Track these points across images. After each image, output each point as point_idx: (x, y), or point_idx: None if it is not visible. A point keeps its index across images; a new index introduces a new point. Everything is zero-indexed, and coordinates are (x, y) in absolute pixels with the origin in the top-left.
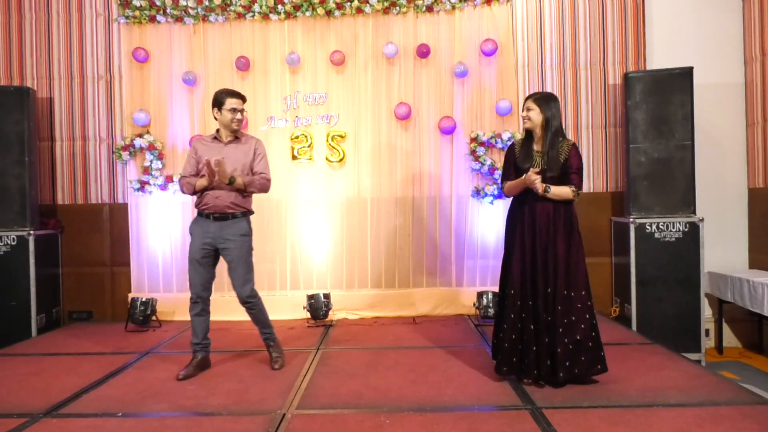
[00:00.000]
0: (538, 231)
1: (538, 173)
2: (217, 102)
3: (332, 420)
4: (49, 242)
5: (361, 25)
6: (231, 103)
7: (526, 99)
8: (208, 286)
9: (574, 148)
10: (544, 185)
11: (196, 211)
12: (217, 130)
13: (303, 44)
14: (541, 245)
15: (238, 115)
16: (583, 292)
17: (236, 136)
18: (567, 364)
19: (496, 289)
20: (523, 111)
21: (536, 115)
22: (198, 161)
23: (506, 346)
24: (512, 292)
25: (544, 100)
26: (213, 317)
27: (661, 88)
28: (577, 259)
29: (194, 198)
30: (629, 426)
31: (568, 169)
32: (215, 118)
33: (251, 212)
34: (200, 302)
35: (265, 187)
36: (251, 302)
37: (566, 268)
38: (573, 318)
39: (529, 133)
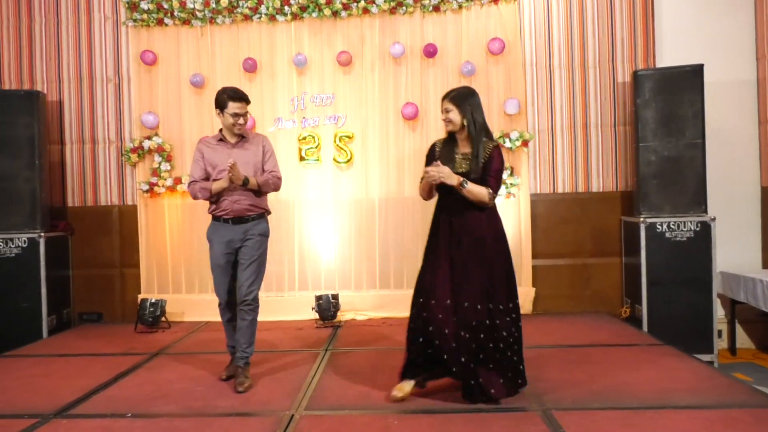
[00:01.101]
0: (458, 238)
1: (462, 175)
2: (219, 104)
3: (340, 421)
4: (59, 244)
5: (368, 25)
6: (233, 107)
7: (443, 99)
8: (233, 293)
9: (497, 150)
10: (460, 178)
11: (210, 216)
12: (221, 131)
13: (310, 45)
14: (459, 254)
15: (240, 120)
16: (501, 307)
17: (242, 135)
18: (480, 380)
19: None
20: (441, 114)
21: (456, 115)
22: (206, 164)
23: (412, 359)
24: (421, 300)
25: (462, 98)
26: (219, 319)
27: (671, 86)
28: (500, 271)
29: (207, 203)
30: (639, 428)
31: (487, 171)
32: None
33: (269, 212)
34: (229, 308)
35: (277, 186)
36: (250, 307)
37: (485, 279)
38: (494, 335)
39: (452, 134)
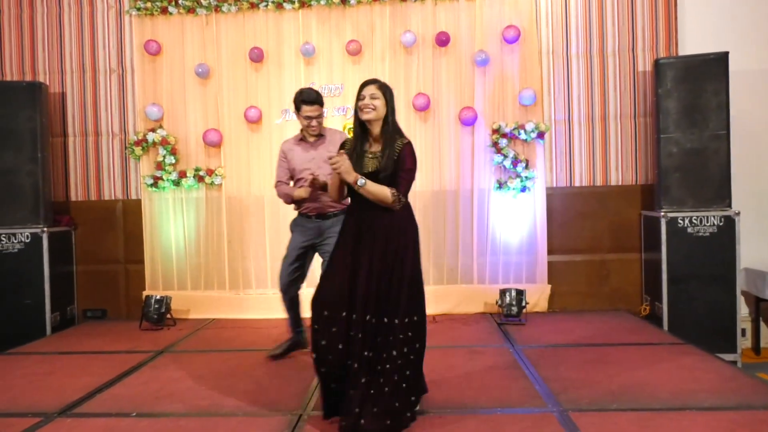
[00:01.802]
0: (364, 244)
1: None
2: (295, 106)
3: None
4: (62, 239)
5: (378, 13)
6: (305, 110)
7: (368, 84)
8: (298, 284)
9: (409, 147)
10: (357, 175)
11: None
12: (301, 130)
13: (318, 34)
14: (365, 262)
15: (314, 122)
16: (406, 320)
17: (320, 133)
18: (375, 410)
19: (520, 286)
20: (363, 99)
21: (382, 105)
22: (289, 165)
23: (323, 383)
24: (325, 313)
25: (388, 91)
26: (228, 315)
27: (694, 75)
28: (410, 282)
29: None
30: (660, 430)
31: (397, 171)
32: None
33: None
34: (287, 297)
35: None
36: None
37: (390, 291)
38: (394, 352)
39: (363, 130)
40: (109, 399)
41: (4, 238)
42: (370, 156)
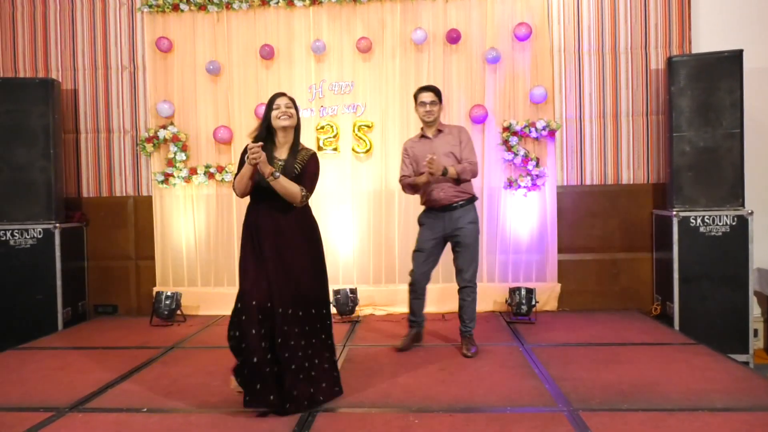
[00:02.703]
0: (266, 239)
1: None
2: (414, 99)
3: (359, 419)
4: (74, 235)
5: (389, 10)
6: (420, 97)
7: (281, 96)
8: (429, 276)
9: (314, 157)
10: (273, 168)
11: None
12: (422, 128)
13: (328, 31)
14: (270, 256)
15: (427, 108)
16: (313, 311)
17: (439, 129)
18: (294, 393)
19: (530, 284)
20: (279, 107)
21: (295, 117)
22: (412, 161)
23: (245, 372)
24: (253, 303)
25: (295, 102)
26: None
27: (707, 72)
28: (312, 274)
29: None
30: (671, 431)
31: (302, 174)
32: None
33: (476, 198)
34: (418, 289)
35: (474, 172)
36: (471, 288)
37: (298, 283)
38: (302, 342)
39: (270, 137)
40: (120, 394)
41: (16, 234)
42: (278, 161)
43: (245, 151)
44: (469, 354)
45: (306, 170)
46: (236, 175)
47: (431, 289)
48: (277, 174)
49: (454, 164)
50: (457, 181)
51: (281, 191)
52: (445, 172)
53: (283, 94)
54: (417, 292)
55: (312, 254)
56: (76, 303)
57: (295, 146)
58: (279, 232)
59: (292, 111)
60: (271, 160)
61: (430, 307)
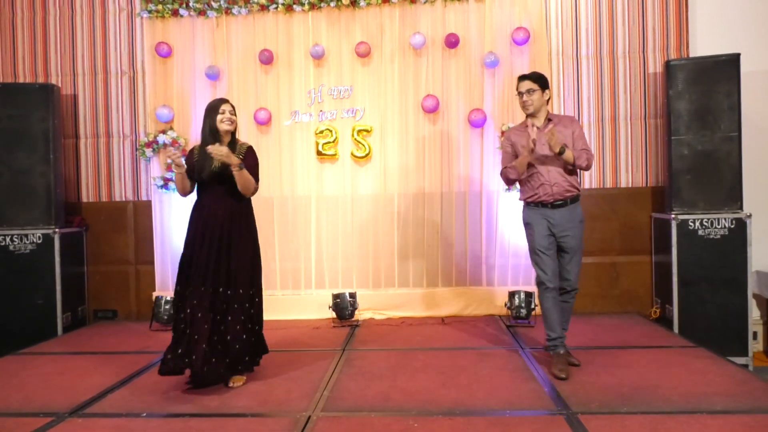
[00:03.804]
0: (211, 227)
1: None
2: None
3: (358, 423)
4: (74, 240)
5: (387, 15)
6: (518, 86)
7: (225, 102)
8: (555, 277)
9: (251, 149)
10: (238, 160)
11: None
12: (527, 117)
13: (327, 36)
14: (211, 242)
15: (524, 98)
16: (251, 291)
17: (548, 118)
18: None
19: (529, 288)
20: (224, 113)
21: (235, 120)
22: (514, 151)
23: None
24: (191, 289)
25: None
26: None
27: (705, 76)
28: (252, 258)
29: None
30: None
31: (247, 166)
32: None
33: (580, 194)
34: (552, 291)
35: (589, 162)
36: (573, 293)
37: (239, 267)
38: (229, 318)
39: (213, 136)
40: (119, 399)
41: (16, 239)
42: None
43: (191, 153)
44: (576, 361)
45: (246, 163)
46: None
47: (429, 292)
48: (243, 165)
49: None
50: (570, 169)
51: (240, 182)
52: (562, 151)
53: (226, 101)
54: (553, 297)
55: (253, 238)
56: (76, 308)
57: (234, 143)
58: (226, 217)
59: (234, 117)
60: (209, 157)
61: (429, 310)
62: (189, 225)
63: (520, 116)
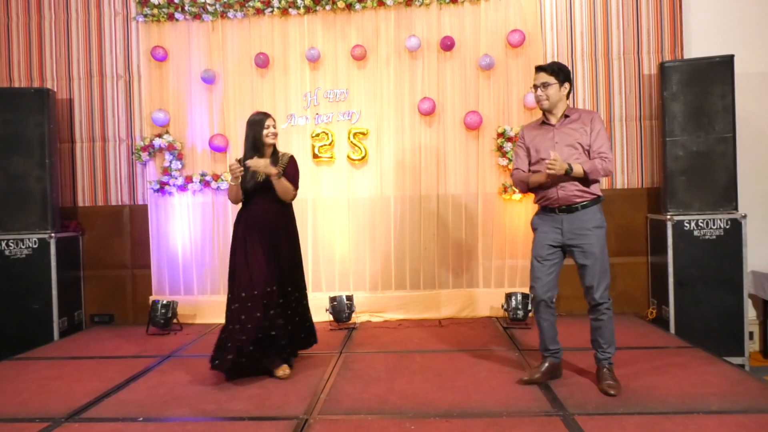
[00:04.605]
0: (263, 231)
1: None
2: None
3: (356, 426)
4: (70, 245)
5: (383, 18)
6: (535, 78)
7: (269, 117)
8: (549, 288)
9: (293, 159)
10: (277, 170)
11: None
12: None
13: (323, 39)
14: (267, 245)
15: (539, 92)
16: (290, 288)
17: (566, 114)
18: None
19: (525, 290)
20: (269, 128)
21: (277, 132)
22: (528, 150)
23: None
24: (243, 294)
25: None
26: None
27: (699, 77)
28: (298, 257)
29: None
30: None
31: (287, 174)
32: None
33: (602, 199)
34: (547, 308)
35: (607, 170)
36: (605, 306)
37: (291, 267)
38: (297, 318)
39: (256, 149)
40: (116, 404)
41: (12, 244)
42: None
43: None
44: (612, 392)
45: (287, 172)
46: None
47: (426, 294)
48: (281, 176)
49: (582, 159)
50: (584, 180)
51: (279, 189)
52: (568, 171)
53: (269, 115)
54: (543, 314)
55: (297, 240)
56: (72, 312)
57: (276, 154)
58: (273, 222)
59: (277, 131)
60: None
61: (426, 312)
62: (237, 231)
63: (517, 118)
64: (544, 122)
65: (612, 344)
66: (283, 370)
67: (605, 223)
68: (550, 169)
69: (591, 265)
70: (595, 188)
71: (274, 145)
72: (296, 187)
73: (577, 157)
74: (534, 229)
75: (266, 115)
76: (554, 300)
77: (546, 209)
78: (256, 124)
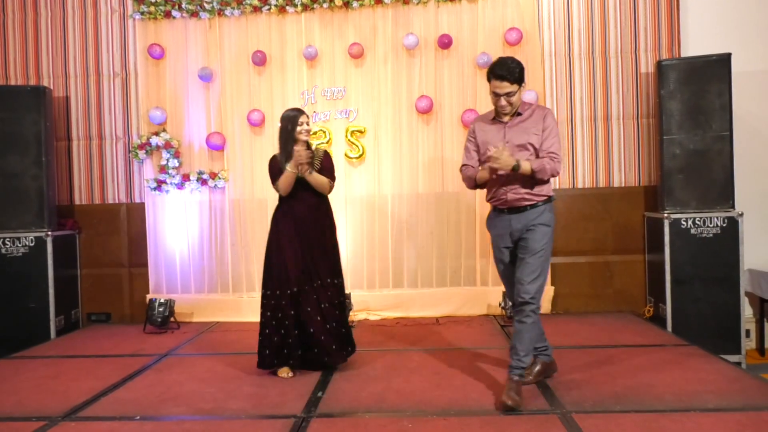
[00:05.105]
0: (303, 226)
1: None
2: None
3: (353, 424)
4: (67, 243)
5: (380, 16)
6: (492, 86)
7: (303, 114)
8: None
9: (327, 154)
10: (307, 169)
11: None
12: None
13: (320, 37)
14: (305, 240)
15: (502, 101)
16: (336, 281)
17: (519, 112)
18: (334, 347)
19: None
20: (303, 125)
21: (311, 129)
22: (479, 144)
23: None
24: (278, 293)
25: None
26: (231, 318)
27: (696, 76)
28: (336, 251)
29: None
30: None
31: (323, 168)
32: None
33: (553, 198)
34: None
35: (555, 171)
36: (530, 307)
37: (332, 258)
38: (335, 309)
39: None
40: (113, 402)
41: (8, 242)
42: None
43: (273, 161)
44: (509, 403)
45: (324, 165)
46: (274, 180)
47: (424, 292)
48: (312, 172)
49: (531, 158)
50: (533, 181)
51: (315, 184)
52: (516, 168)
53: (303, 112)
54: (514, 312)
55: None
56: (69, 311)
57: (309, 149)
58: (314, 215)
59: (310, 127)
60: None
61: (424, 311)
62: (278, 227)
63: None
64: (496, 118)
65: (529, 353)
66: (287, 372)
67: (554, 222)
68: (493, 162)
69: (528, 259)
70: (546, 189)
71: (307, 142)
72: (333, 179)
73: (528, 158)
74: (489, 229)
75: (300, 112)
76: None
77: (496, 209)
78: (290, 120)
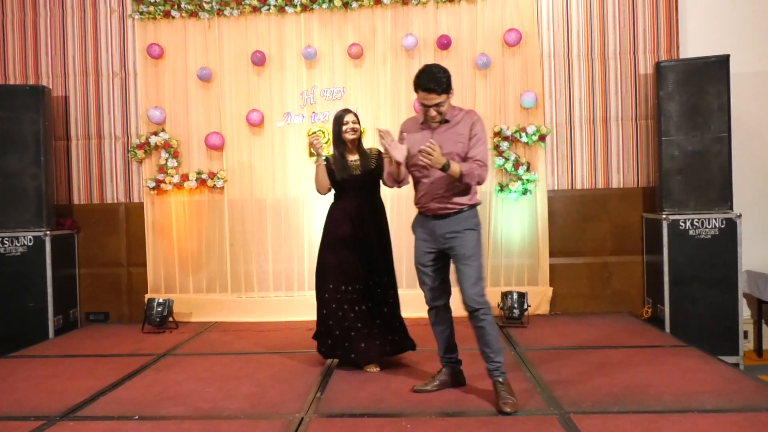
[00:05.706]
0: (359, 224)
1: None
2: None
3: (352, 425)
4: (65, 243)
5: (380, 16)
6: (419, 96)
7: (348, 113)
8: (439, 295)
9: (380, 153)
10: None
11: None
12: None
13: (320, 38)
14: (359, 238)
15: (431, 112)
16: (386, 279)
17: (446, 119)
18: (396, 338)
19: (522, 288)
20: (348, 124)
21: (359, 128)
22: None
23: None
24: (331, 286)
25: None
26: (230, 318)
27: (695, 77)
28: (389, 248)
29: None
30: None
31: (379, 170)
32: None
33: (478, 203)
34: (437, 314)
35: (482, 177)
36: (482, 311)
37: (384, 255)
38: (390, 306)
39: (341, 145)
40: (111, 402)
41: (7, 242)
42: (352, 162)
43: (328, 161)
44: (508, 410)
45: (380, 164)
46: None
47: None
48: (321, 160)
49: (460, 162)
50: (459, 183)
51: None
52: (446, 167)
53: (350, 111)
54: (433, 319)
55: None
56: (68, 311)
57: (362, 148)
58: (374, 212)
59: (357, 126)
60: (346, 162)
61: (422, 311)
62: (332, 226)
63: (513, 117)
64: (424, 122)
65: (500, 352)
66: (373, 367)
67: (480, 226)
68: (425, 156)
69: (462, 267)
70: (472, 198)
71: (359, 141)
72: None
73: (458, 161)
74: (413, 232)
75: (346, 111)
76: (448, 305)
77: (421, 214)
78: (336, 121)
